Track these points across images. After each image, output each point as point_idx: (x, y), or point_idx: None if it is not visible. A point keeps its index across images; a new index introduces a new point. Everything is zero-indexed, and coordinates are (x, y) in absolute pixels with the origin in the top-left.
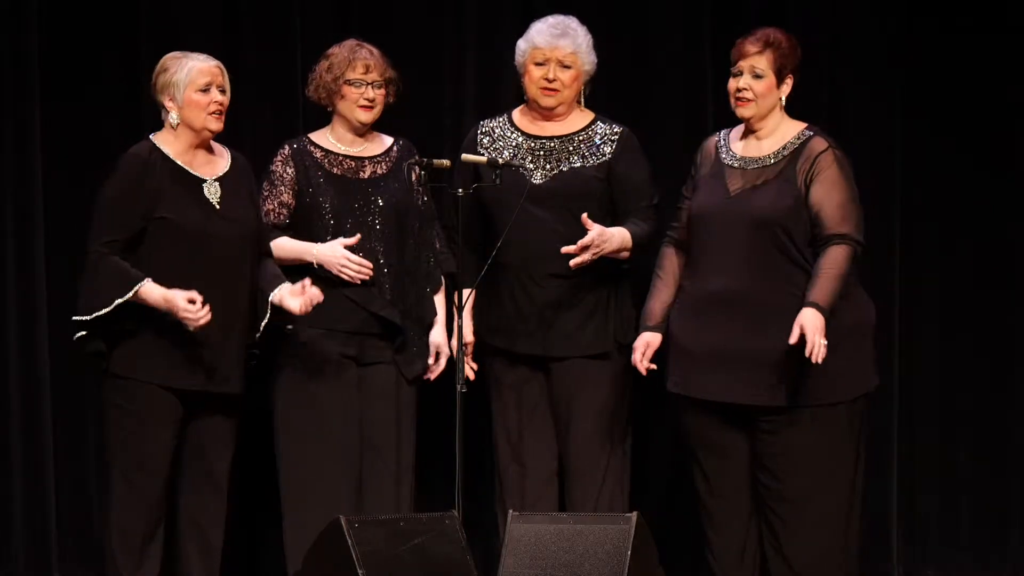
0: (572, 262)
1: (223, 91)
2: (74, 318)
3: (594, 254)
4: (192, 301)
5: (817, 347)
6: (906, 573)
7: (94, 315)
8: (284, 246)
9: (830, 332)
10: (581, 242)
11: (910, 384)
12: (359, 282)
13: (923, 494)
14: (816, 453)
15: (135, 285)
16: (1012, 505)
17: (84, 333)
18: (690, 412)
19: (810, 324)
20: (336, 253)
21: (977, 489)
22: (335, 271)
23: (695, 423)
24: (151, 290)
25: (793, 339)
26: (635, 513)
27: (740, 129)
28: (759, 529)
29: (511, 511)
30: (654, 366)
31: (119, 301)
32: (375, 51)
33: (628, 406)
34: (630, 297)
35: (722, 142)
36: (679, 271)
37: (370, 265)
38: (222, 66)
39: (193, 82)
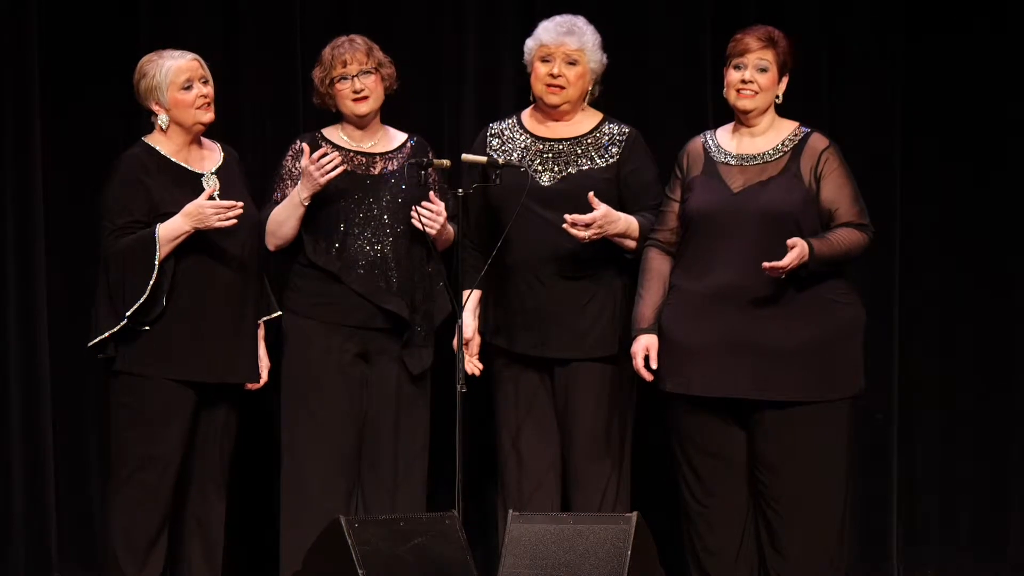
0: (570, 228)
1: (205, 82)
2: (128, 313)
3: (595, 233)
4: (211, 197)
5: (781, 268)
6: (906, 573)
7: (149, 288)
8: (276, 210)
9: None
10: (584, 218)
11: (910, 384)
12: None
13: (923, 494)
14: (817, 449)
15: (154, 236)
16: (1012, 505)
17: (106, 335)
18: (689, 413)
19: (797, 251)
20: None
21: (977, 489)
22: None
23: (694, 424)
24: (168, 227)
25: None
26: (635, 513)
27: (728, 128)
28: (756, 527)
29: (511, 511)
30: (653, 369)
31: (158, 257)
32: (357, 40)
33: (632, 408)
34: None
35: (709, 142)
36: (667, 273)
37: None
38: (199, 58)
39: (173, 82)
